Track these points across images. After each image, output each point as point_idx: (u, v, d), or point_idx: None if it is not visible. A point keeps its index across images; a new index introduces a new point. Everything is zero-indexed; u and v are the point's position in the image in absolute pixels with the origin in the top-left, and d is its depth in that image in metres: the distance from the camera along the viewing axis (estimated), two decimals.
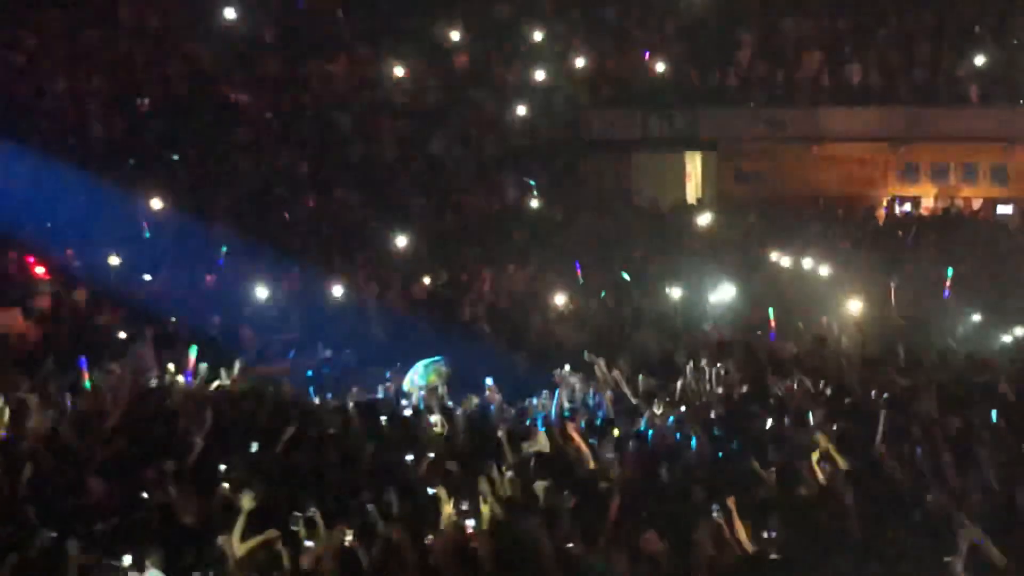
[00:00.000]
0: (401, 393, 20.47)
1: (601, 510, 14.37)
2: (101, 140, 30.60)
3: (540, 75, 34.43)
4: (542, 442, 16.69)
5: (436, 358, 21.19)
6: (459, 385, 20.17)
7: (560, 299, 25.17)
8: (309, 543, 13.53)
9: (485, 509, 14.17)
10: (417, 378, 20.81)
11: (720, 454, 16.64)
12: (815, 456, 15.56)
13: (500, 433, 16.65)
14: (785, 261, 28.15)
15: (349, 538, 13.46)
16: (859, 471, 15.23)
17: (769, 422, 17.61)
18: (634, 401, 19.20)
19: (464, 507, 14.17)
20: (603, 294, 26.10)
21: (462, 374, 20.80)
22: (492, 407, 19.28)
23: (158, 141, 30.91)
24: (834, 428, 16.82)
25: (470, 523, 13.94)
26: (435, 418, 18.19)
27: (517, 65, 34.77)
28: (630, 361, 21.17)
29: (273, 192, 30.26)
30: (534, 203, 31.47)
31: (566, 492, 14.59)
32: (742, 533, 13.80)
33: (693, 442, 16.91)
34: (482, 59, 34.96)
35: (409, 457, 16.18)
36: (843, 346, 22.29)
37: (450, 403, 19.39)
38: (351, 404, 18.43)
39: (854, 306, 24.96)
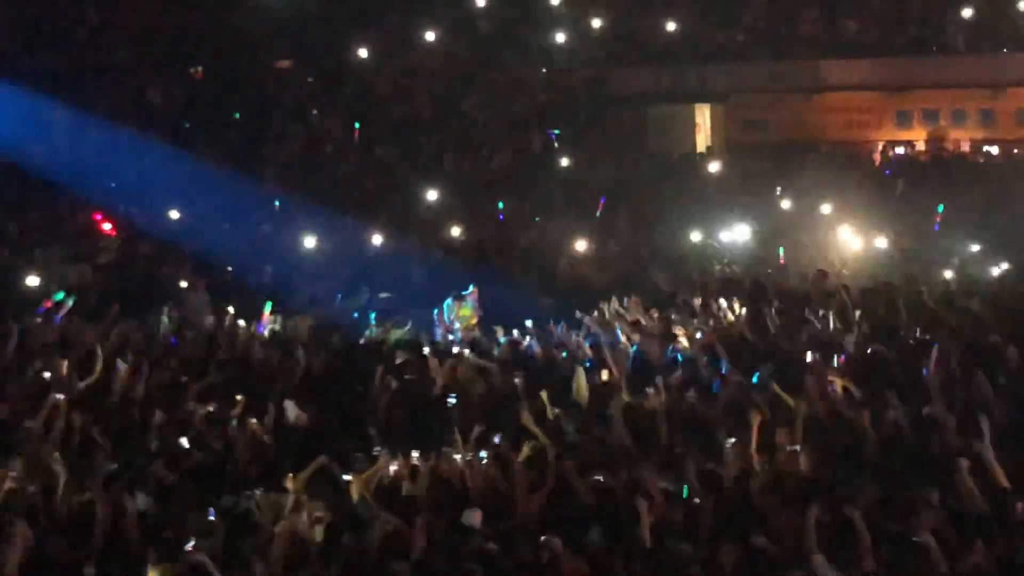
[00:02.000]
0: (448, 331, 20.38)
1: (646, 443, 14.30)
2: (160, 106, 30.54)
3: (561, 36, 34.27)
4: (581, 381, 16.52)
5: (459, 293, 21.11)
6: (493, 325, 19.98)
7: (582, 244, 25.02)
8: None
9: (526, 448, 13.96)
10: (447, 315, 20.69)
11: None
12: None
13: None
14: (791, 203, 27.94)
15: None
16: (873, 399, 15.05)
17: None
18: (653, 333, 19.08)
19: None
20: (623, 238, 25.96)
21: (496, 316, 20.64)
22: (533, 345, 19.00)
23: (211, 106, 30.84)
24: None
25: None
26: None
27: (540, 27, 34.53)
28: (644, 299, 21.03)
29: (318, 151, 30.20)
30: (558, 156, 31.31)
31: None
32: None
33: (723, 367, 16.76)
34: (508, 23, 34.72)
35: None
36: (844, 279, 22.04)
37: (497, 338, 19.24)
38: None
39: (854, 242, 24.84)
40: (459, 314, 20.76)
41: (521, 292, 21.83)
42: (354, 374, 17.41)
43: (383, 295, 22.29)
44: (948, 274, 22.12)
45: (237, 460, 14.27)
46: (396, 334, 19.60)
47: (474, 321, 20.61)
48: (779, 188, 28.93)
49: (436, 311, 20.80)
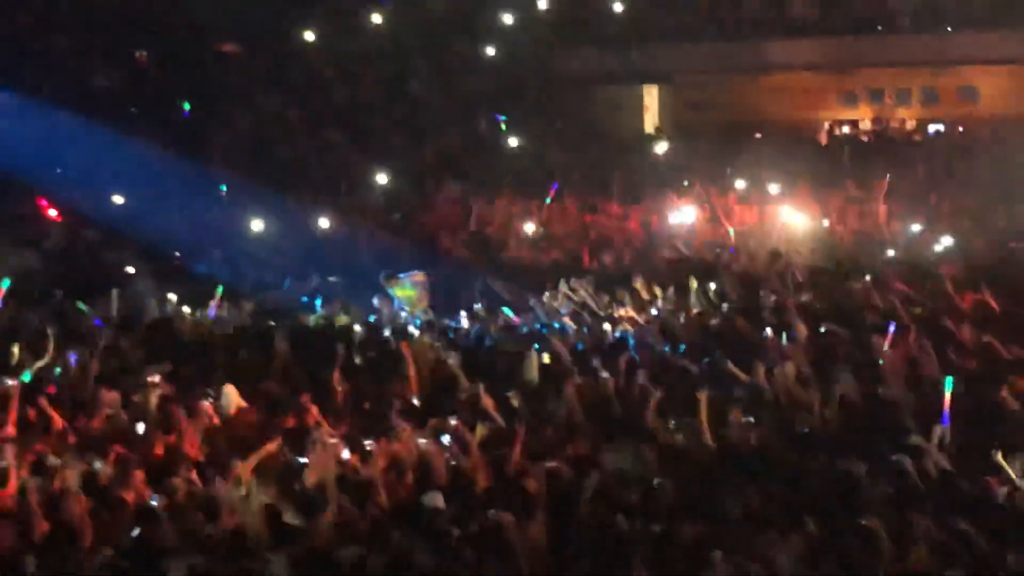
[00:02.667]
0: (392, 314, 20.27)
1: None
2: (104, 91, 30.28)
3: (508, 18, 34.20)
4: (533, 363, 16.48)
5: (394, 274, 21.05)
6: (443, 308, 19.92)
7: (530, 226, 24.99)
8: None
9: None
10: (395, 298, 20.63)
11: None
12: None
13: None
14: (739, 183, 28.02)
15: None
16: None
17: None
18: (601, 315, 19.11)
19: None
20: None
21: (445, 298, 20.60)
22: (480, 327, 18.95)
23: (156, 90, 30.62)
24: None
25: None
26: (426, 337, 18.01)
27: (487, 9, 34.46)
28: (594, 281, 21.05)
29: (264, 135, 30.05)
30: (506, 138, 31.28)
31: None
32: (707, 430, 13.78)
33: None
34: (454, 4, 34.61)
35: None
36: (794, 259, 22.09)
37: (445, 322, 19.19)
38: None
39: (801, 221, 24.93)
40: (400, 295, 20.67)
41: (470, 275, 21.73)
42: (307, 358, 17.30)
43: (332, 279, 22.15)
44: (886, 254, 22.15)
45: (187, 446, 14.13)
46: (342, 318, 19.47)
47: (422, 304, 20.51)
48: (728, 168, 29.01)
49: (378, 295, 20.69)
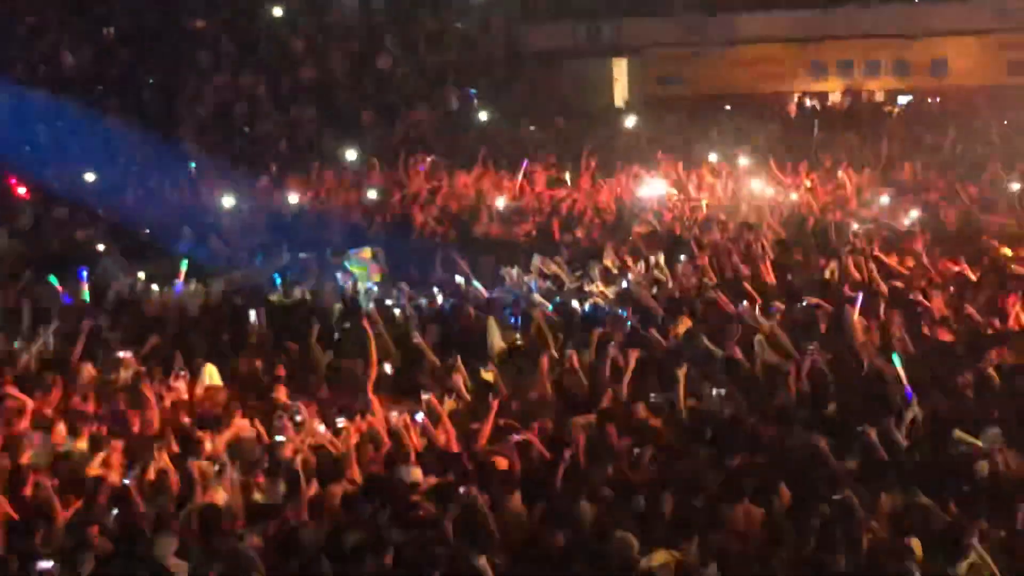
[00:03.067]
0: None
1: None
2: (72, 68, 30.15)
3: None
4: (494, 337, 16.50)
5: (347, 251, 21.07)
6: (415, 283, 19.88)
7: (501, 201, 24.95)
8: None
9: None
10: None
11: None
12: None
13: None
14: (708, 155, 28.04)
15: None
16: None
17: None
18: (573, 289, 19.12)
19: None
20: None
21: (417, 273, 20.58)
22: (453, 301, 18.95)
23: (125, 67, 30.49)
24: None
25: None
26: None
27: None
28: (567, 255, 21.07)
29: (233, 111, 29.95)
30: (476, 112, 31.24)
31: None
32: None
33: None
34: None
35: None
36: (763, 232, 22.12)
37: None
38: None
39: (771, 194, 24.99)
40: (355, 271, 20.68)
41: (440, 250, 21.69)
42: (278, 334, 17.28)
43: (303, 255, 22.09)
44: (855, 227, 22.12)
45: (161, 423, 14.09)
46: (309, 294, 19.39)
47: (376, 278, 20.46)
48: (701, 141, 29.07)
49: (339, 271, 20.67)
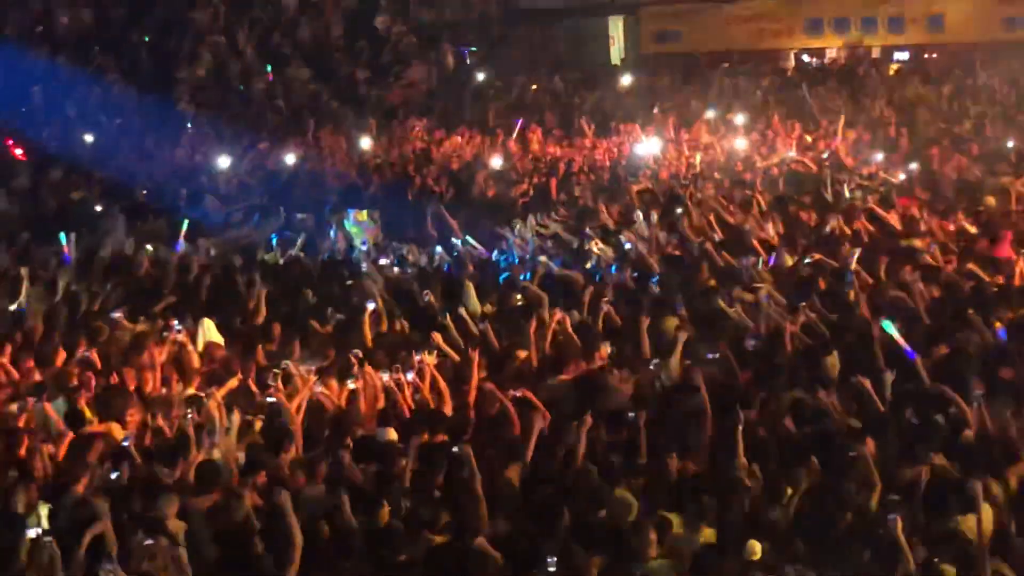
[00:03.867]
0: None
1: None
2: (68, 28, 30.03)
3: None
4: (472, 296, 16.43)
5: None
6: (414, 244, 19.82)
7: (497, 160, 24.88)
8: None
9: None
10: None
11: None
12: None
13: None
14: (704, 113, 27.99)
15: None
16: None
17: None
18: (571, 247, 19.06)
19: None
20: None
21: (414, 233, 20.54)
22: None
23: (121, 27, 30.37)
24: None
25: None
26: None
27: None
28: (564, 214, 21.03)
29: (229, 72, 29.84)
30: (472, 72, 31.16)
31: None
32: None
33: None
34: None
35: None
36: (758, 189, 22.08)
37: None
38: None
39: (768, 152, 24.94)
40: (351, 231, 20.66)
41: (436, 210, 21.64)
42: (275, 293, 17.24)
43: (300, 216, 22.05)
44: (852, 183, 22.00)
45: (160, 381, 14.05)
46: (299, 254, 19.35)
47: (371, 240, 20.41)
48: (697, 98, 29.02)
49: (334, 230, 20.64)
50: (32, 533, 9.87)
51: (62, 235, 18.75)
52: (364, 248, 19.78)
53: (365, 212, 21.08)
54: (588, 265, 18.00)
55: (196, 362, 14.45)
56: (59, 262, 18.25)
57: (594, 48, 35.17)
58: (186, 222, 19.50)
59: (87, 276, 17.53)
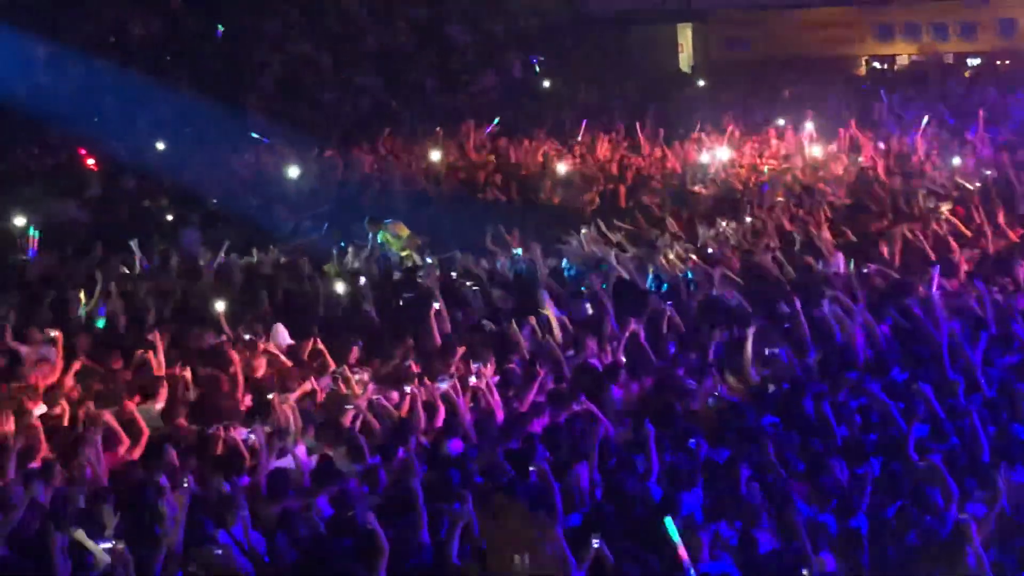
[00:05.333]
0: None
1: None
2: (140, 38, 30.28)
3: None
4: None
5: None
6: (476, 251, 19.80)
7: (565, 167, 24.84)
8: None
9: None
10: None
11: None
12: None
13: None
14: (779, 120, 27.85)
15: None
16: None
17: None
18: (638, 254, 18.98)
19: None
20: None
21: (479, 240, 20.53)
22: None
23: (192, 37, 30.60)
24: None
25: None
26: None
27: None
28: (630, 221, 20.97)
29: (299, 81, 30.01)
30: (540, 79, 31.16)
31: None
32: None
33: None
34: None
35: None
36: (829, 196, 21.94)
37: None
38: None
39: (837, 158, 24.81)
40: (386, 240, 20.67)
41: (505, 216, 21.65)
42: (346, 301, 17.33)
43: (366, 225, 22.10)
44: (925, 190, 21.76)
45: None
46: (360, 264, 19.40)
47: (404, 252, 20.37)
48: (767, 105, 28.92)
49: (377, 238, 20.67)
50: (107, 545, 9.92)
51: (134, 243, 18.92)
52: (397, 259, 19.78)
53: (404, 227, 21.01)
54: (654, 272, 17.94)
55: (266, 368, 14.56)
56: (137, 268, 18.40)
57: (663, 55, 35.14)
58: (226, 244, 19.36)
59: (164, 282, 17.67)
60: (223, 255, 19.16)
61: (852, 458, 11.58)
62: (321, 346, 14.83)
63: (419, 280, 17.69)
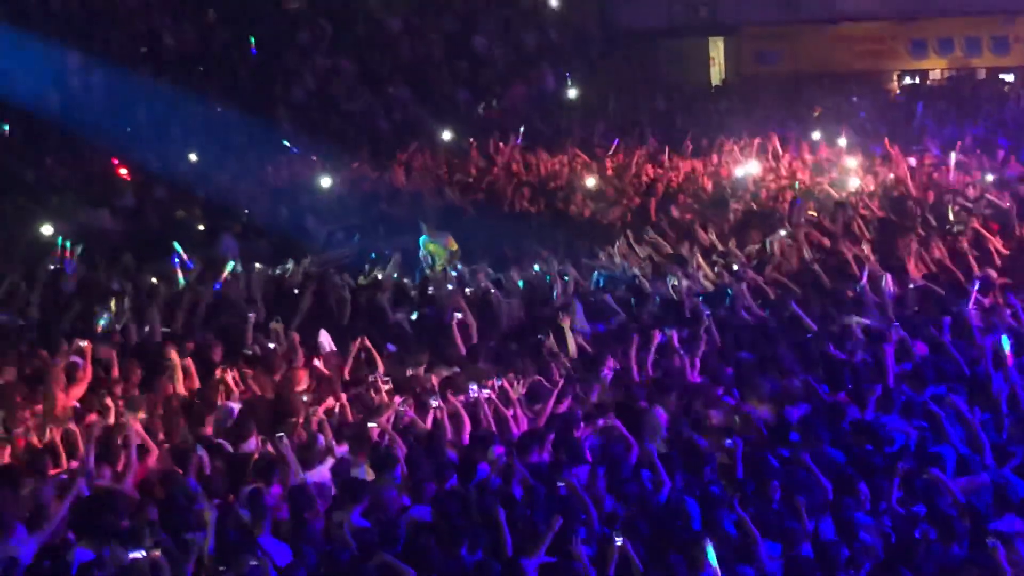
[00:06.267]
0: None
1: None
2: (172, 49, 30.36)
3: None
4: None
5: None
6: (507, 263, 19.77)
7: (590, 180, 24.79)
8: None
9: None
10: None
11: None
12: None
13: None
14: (810, 134, 27.76)
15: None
16: None
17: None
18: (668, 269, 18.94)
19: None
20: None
21: (509, 253, 20.50)
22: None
23: (224, 49, 30.68)
24: None
25: None
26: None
27: None
28: (661, 234, 20.92)
29: (331, 92, 30.07)
30: (571, 91, 31.15)
31: None
32: None
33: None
34: None
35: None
36: (861, 211, 21.84)
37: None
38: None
39: (870, 173, 24.73)
40: (431, 249, 20.68)
41: (535, 230, 21.66)
42: (369, 313, 17.33)
43: (397, 236, 22.13)
44: (958, 207, 21.62)
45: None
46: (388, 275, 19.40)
47: (445, 261, 20.39)
48: (798, 119, 28.86)
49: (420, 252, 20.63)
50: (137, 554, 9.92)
51: (177, 245, 18.92)
52: (447, 270, 19.75)
53: (451, 239, 21.01)
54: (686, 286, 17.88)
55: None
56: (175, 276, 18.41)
57: (695, 68, 35.13)
58: (231, 264, 19.31)
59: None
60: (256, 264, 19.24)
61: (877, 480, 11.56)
62: (370, 345, 14.88)
63: (441, 291, 17.68)
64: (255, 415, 13.21)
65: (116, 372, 14.25)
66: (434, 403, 13.17)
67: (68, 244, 19.00)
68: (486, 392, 13.38)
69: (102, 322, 16.18)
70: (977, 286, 16.33)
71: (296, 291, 17.89)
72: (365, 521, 10.98)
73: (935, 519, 10.76)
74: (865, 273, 17.38)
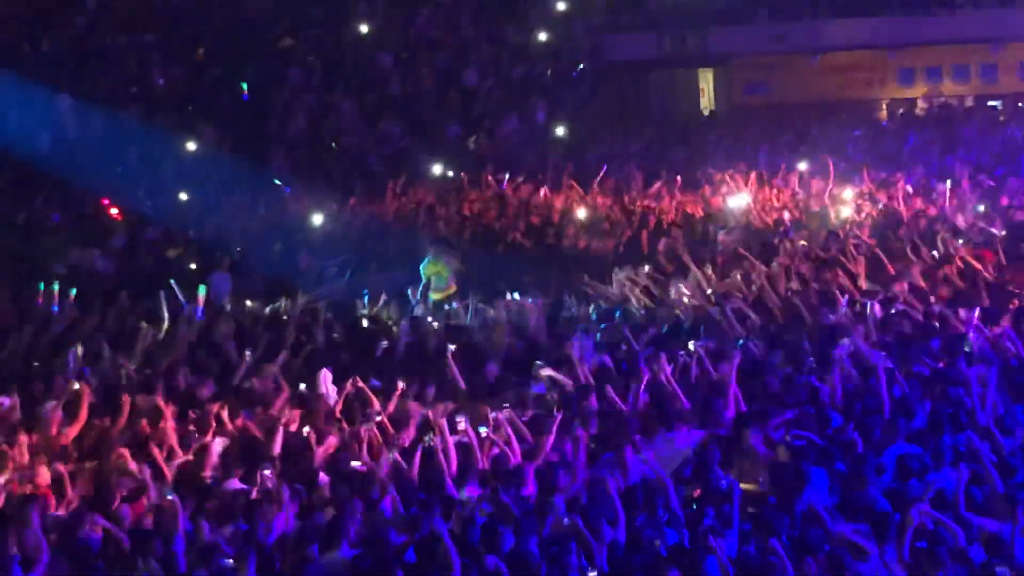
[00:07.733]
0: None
1: None
2: (162, 89, 30.45)
3: (561, 3, 34.16)
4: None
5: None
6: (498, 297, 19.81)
7: (583, 213, 24.85)
8: None
9: None
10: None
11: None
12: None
13: None
14: (800, 164, 27.83)
15: None
16: None
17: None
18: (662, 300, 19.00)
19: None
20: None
21: (501, 287, 20.53)
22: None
23: (214, 87, 30.76)
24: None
25: None
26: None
27: None
28: (653, 268, 20.98)
29: (322, 129, 30.14)
30: (561, 124, 31.25)
31: None
32: None
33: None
34: None
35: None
36: (852, 241, 21.90)
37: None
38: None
39: (859, 201, 24.77)
40: (431, 271, 20.72)
41: (527, 263, 21.70)
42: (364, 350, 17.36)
43: (390, 273, 22.18)
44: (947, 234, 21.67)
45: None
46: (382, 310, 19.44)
47: (451, 291, 20.45)
48: (788, 149, 28.95)
49: (410, 288, 20.62)
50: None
51: (201, 288, 18.92)
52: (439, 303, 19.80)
53: (457, 262, 21.07)
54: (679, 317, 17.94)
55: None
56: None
57: (685, 99, 35.23)
58: (202, 288, 19.31)
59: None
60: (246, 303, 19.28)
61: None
62: (363, 386, 14.90)
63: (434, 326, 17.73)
64: (240, 452, 13.24)
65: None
66: (427, 440, 13.22)
67: (57, 286, 18.98)
68: (484, 431, 13.43)
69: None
70: (978, 315, 16.37)
71: (285, 327, 17.90)
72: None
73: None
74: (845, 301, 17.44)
